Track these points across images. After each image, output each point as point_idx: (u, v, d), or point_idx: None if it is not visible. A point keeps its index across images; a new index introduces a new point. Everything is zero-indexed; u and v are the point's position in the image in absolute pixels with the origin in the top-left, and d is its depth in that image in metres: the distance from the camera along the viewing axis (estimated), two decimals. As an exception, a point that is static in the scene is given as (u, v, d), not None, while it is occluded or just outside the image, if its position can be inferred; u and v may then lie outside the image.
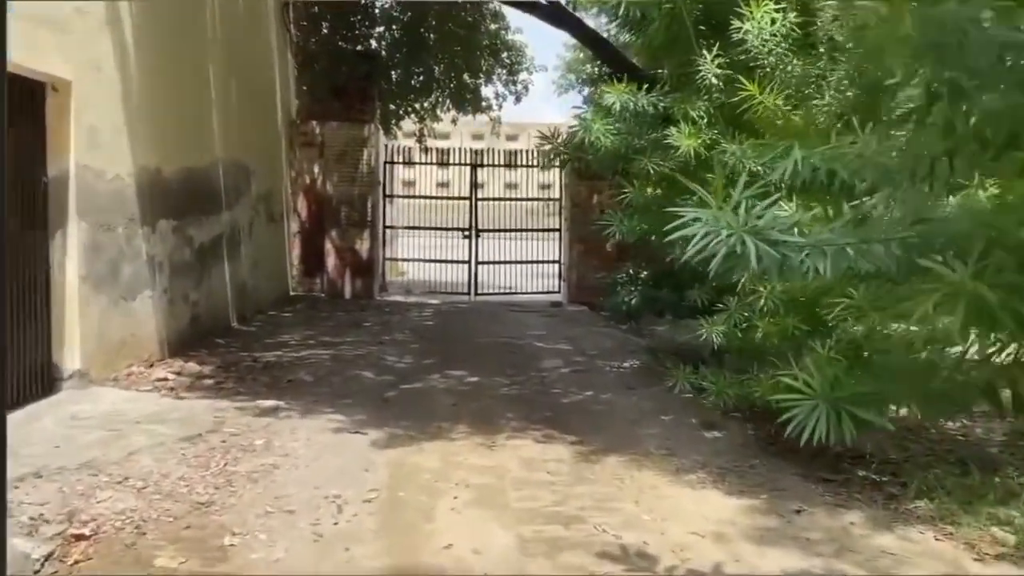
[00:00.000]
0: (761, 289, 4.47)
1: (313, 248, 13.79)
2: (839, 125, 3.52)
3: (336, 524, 4.21)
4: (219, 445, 5.33)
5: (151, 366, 7.52)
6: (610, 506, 4.51)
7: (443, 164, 14.62)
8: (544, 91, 60.93)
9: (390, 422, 6.09)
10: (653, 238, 5.26)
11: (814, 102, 4.15)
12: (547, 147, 5.54)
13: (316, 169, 13.81)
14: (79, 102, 6.35)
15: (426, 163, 14.88)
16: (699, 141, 4.57)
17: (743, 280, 4.58)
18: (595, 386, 7.54)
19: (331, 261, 13.60)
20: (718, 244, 1.80)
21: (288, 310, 12.16)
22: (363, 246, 13.59)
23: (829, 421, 1.99)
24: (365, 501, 4.50)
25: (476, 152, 14.34)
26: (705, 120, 4.74)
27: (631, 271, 8.06)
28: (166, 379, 7.00)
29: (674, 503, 4.57)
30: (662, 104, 4.88)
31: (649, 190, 4.99)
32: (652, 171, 4.77)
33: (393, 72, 15.08)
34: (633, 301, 6.92)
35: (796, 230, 1.91)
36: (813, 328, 4.51)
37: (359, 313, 12.14)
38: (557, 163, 5.37)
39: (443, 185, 16.05)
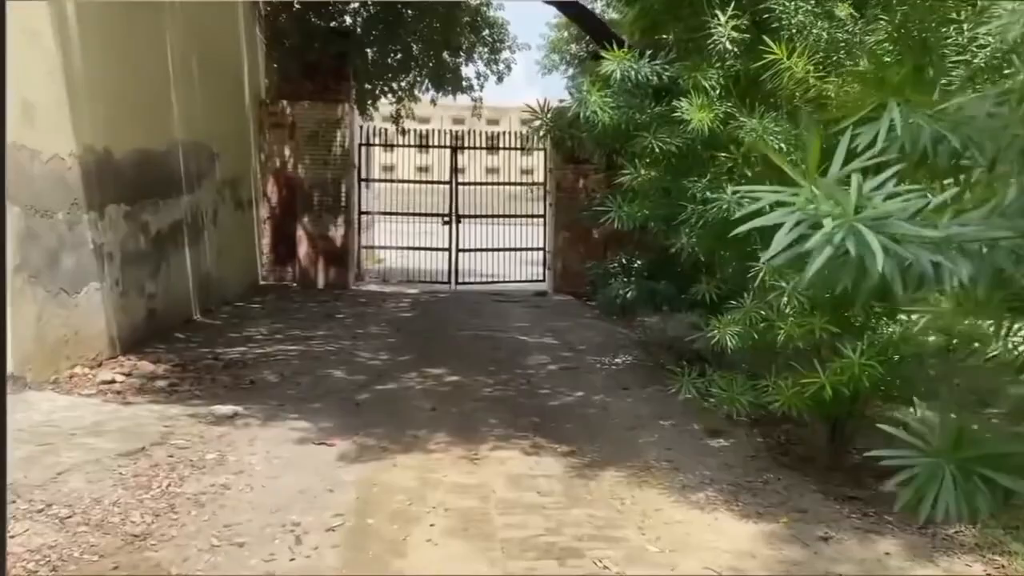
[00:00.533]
0: (783, 284, 3.89)
1: (284, 235, 13.09)
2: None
3: (293, 560, 3.61)
4: (164, 461, 4.70)
5: (99, 366, 6.85)
6: (610, 534, 3.93)
7: (422, 147, 13.94)
8: (527, 72, 60.00)
9: (361, 430, 5.48)
10: (654, 225, 4.67)
11: (848, 66, 3.57)
12: (535, 123, 4.89)
13: (287, 152, 13.09)
14: (11, 73, 5.63)
15: (404, 145, 14.17)
16: (711, 115, 3.97)
17: (761, 274, 4.01)
18: (585, 386, 6.96)
19: (303, 249, 12.91)
20: (821, 240, 1.19)
21: (257, 301, 11.47)
22: (337, 233, 12.91)
23: (958, 489, 1.39)
24: (328, 530, 3.89)
25: (456, 134, 13.66)
26: (717, 91, 4.14)
27: (624, 260, 7.46)
28: (113, 381, 6.34)
29: (683, 530, 4.00)
30: (667, 74, 4.27)
31: (652, 171, 4.37)
32: (658, 149, 4.16)
33: (369, 50, 14.35)
34: (629, 294, 6.32)
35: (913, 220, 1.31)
36: (843, 329, 3.95)
37: (332, 304, 11.48)
38: (545, 143, 4.70)
39: (423, 169, 15.38)
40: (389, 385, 6.86)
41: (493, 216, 14.12)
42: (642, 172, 4.47)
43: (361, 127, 13.87)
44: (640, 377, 7.26)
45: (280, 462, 4.81)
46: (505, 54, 15.24)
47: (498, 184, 15.00)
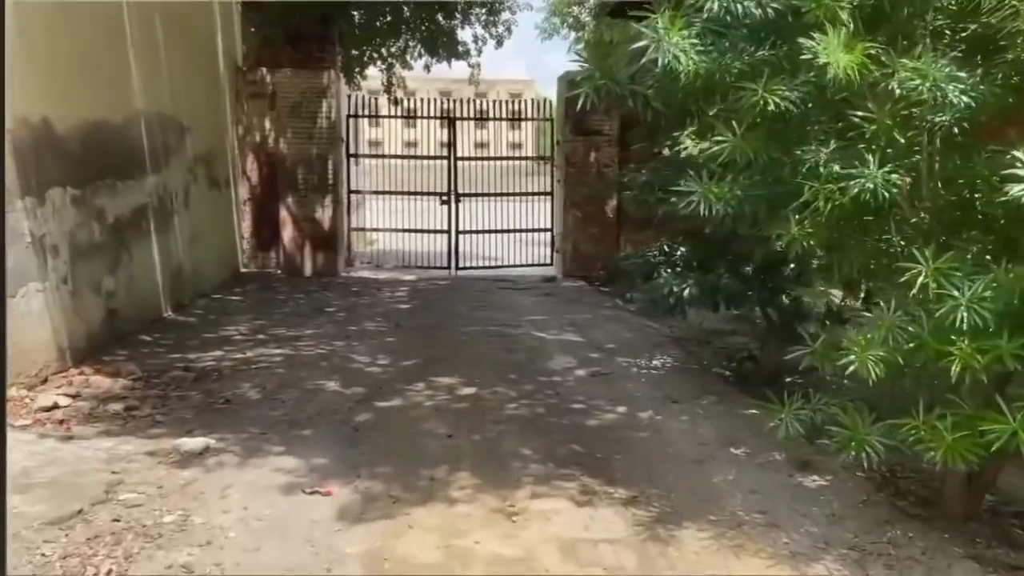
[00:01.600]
0: (955, 293, 2.78)
1: (266, 217, 11.87)
2: None
3: None
4: (108, 529, 3.57)
5: (43, 383, 5.69)
6: (720, 642, 2.84)
7: (414, 117, 12.68)
8: (515, 42, 57.88)
9: (363, 469, 4.38)
10: (748, 210, 3.53)
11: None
12: (581, 74, 3.73)
13: (267, 125, 11.83)
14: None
15: (396, 116, 12.91)
16: (857, 57, 2.82)
17: (922, 277, 2.90)
18: (626, 398, 5.86)
19: (287, 232, 11.70)
20: None
21: (237, 292, 10.28)
22: (324, 214, 11.70)
23: None
24: (327, 644, 2.79)
25: (453, 103, 12.42)
26: (854, 26, 2.98)
27: (667, 248, 6.33)
28: (55, 407, 5.18)
29: (816, 631, 2.92)
30: (778, 4, 3.11)
31: (753, 138, 3.22)
32: (775, 105, 3.01)
33: (355, 12, 13.06)
34: (686, 290, 5.18)
35: None
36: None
37: (321, 294, 10.31)
38: (593, 99, 3.51)
39: (410, 144, 14.13)
40: (392, 401, 5.73)
41: (495, 195, 12.92)
42: (732, 139, 3.32)
43: (349, 97, 12.61)
44: (688, 385, 6.16)
45: (261, 525, 3.69)
46: (505, 15, 14.00)
47: (501, 159, 13.81)
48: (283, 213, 11.70)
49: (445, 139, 12.66)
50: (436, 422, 5.27)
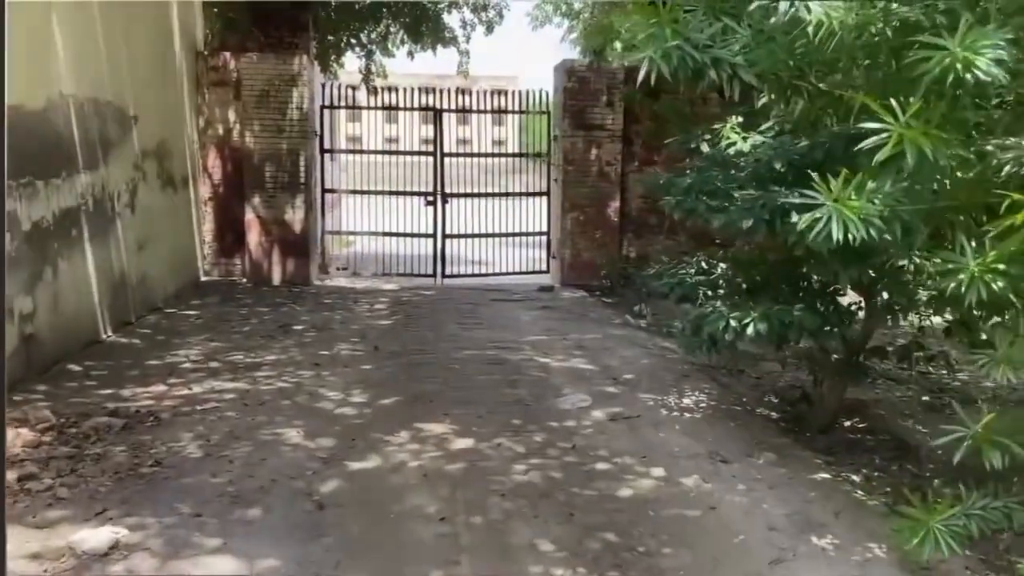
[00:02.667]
0: None
1: (230, 220, 10.62)
2: None
3: None
4: None
5: (-80, 439, 4.44)
6: None
7: (396, 109, 11.44)
8: (501, 34, 56.43)
9: (326, 579, 3.19)
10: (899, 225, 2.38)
11: None
12: (646, 34, 2.57)
13: (231, 116, 10.58)
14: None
15: (375, 108, 11.67)
16: None
17: None
18: (661, 453, 4.71)
19: (253, 237, 10.46)
20: None
21: (195, 305, 9.05)
22: (295, 216, 10.47)
23: None
24: None
25: (439, 93, 11.19)
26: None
27: (705, 265, 5.19)
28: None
29: None
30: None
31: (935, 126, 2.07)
32: (976, 75, 1.87)
33: (331, -8, 11.84)
34: (750, 326, 3.99)
35: None
36: None
37: (290, 308, 9.09)
38: (662, 69, 2.31)
39: (392, 140, 12.90)
40: (367, 461, 4.55)
41: (485, 195, 11.72)
42: (897, 126, 2.16)
43: (323, 86, 11.37)
44: (734, 434, 5.02)
45: None
46: (495, -2, 12.82)
47: (492, 155, 12.62)
48: (249, 215, 10.46)
49: (430, 134, 11.45)
50: (424, 494, 4.09)
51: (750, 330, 4.02)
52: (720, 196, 4.28)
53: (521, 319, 8.75)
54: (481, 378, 6.28)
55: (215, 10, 10.92)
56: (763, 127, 4.74)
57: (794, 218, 3.68)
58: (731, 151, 4.74)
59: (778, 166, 4.11)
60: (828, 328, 4.12)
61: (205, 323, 8.17)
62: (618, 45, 12.71)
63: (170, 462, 4.45)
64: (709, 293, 4.80)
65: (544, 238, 11.63)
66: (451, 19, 12.86)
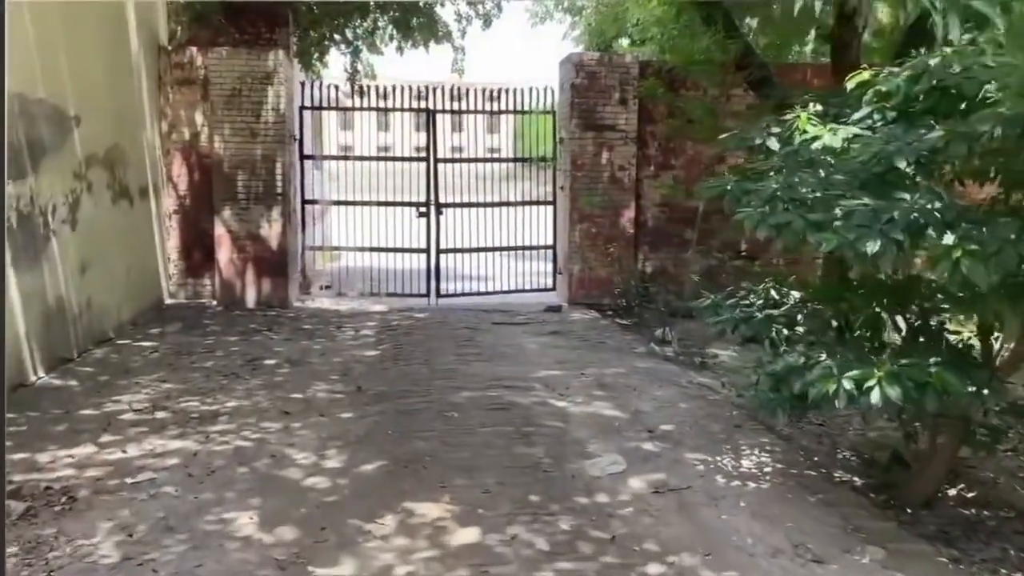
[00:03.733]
0: None
1: (198, 235, 9.46)
2: None
3: None
4: None
5: None
6: None
7: (385, 110, 10.29)
8: (496, 39, 55.35)
9: None
10: None
11: None
12: None
13: (199, 119, 9.43)
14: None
15: (361, 108, 10.51)
16: None
17: None
18: (728, 548, 3.55)
19: (224, 254, 9.30)
20: None
21: (153, 335, 7.88)
22: (271, 230, 9.31)
23: None
24: None
25: (433, 92, 10.05)
26: None
27: (776, 294, 4.05)
28: None
29: None
30: None
31: None
32: None
33: (313, -17, 10.69)
34: (872, 392, 2.80)
35: None
36: None
37: (263, 336, 7.93)
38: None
39: (385, 148, 11.73)
40: (339, 565, 3.39)
41: (484, 204, 10.56)
42: None
43: (303, 84, 10.22)
44: (818, 516, 3.86)
45: None
46: (494, -11, 11.67)
47: (490, 161, 11.49)
48: (219, 229, 9.30)
49: (423, 140, 10.29)
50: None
51: (874, 396, 2.88)
52: (817, 206, 3.15)
53: (527, 347, 7.59)
54: (485, 431, 5.11)
55: (182, 2, 9.78)
56: (857, 115, 3.60)
57: (945, 238, 2.56)
58: (814, 147, 3.60)
59: (902, 165, 2.99)
60: (977, 391, 2.99)
61: (161, 357, 7.00)
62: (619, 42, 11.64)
63: (70, 572, 3.29)
64: (786, 333, 3.65)
65: (550, 251, 10.49)
66: (445, 13, 11.72)
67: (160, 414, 5.39)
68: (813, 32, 9.74)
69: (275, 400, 5.76)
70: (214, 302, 9.41)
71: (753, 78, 7.68)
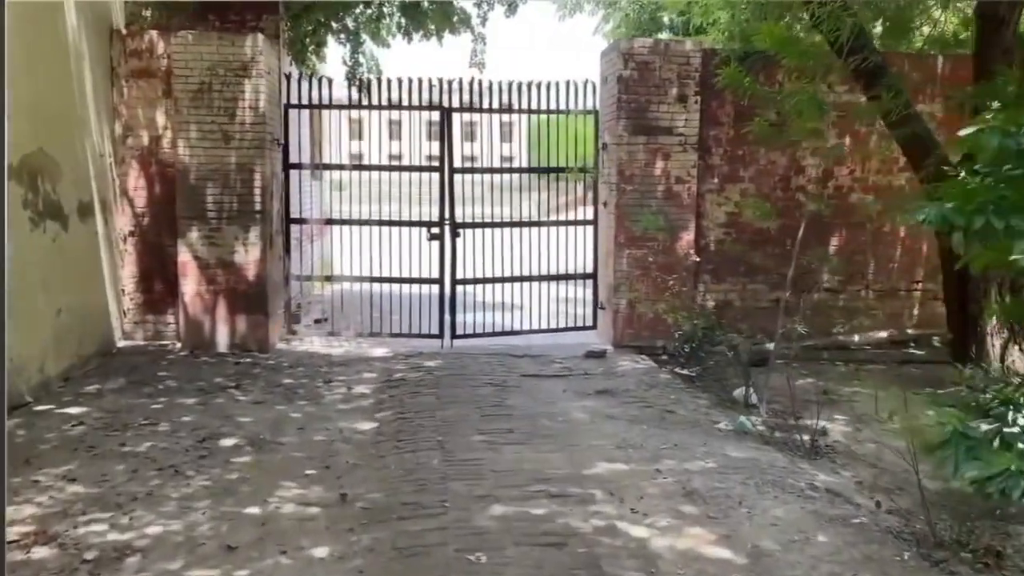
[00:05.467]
0: None
1: (159, 262, 7.70)
2: None
3: None
4: None
5: None
6: None
7: (390, 108, 8.45)
8: (504, 31, 53.43)
9: None
10: None
11: None
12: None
13: (160, 119, 7.68)
14: None
15: (359, 107, 8.69)
16: None
17: None
18: None
19: (190, 285, 7.53)
20: None
21: (86, 394, 6.12)
22: (248, 256, 7.53)
23: None
24: None
25: (448, 85, 8.20)
26: None
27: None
28: None
29: None
30: None
31: None
32: None
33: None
34: None
35: None
36: None
37: (228, 396, 6.14)
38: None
39: (395, 158, 9.93)
40: None
41: (508, 224, 8.74)
42: None
43: (288, 77, 8.43)
44: None
45: None
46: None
47: (516, 171, 9.69)
48: (184, 255, 7.53)
49: (434, 148, 8.47)
50: None
51: None
52: None
53: (574, 417, 5.74)
54: (532, 593, 3.28)
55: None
56: None
57: None
58: None
59: None
60: None
61: (84, 435, 5.22)
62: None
63: None
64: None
65: (589, 282, 8.65)
66: (463, 1, 9.93)
67: (38, 552, 3.59)
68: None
69: (219, 521, 3.95)
70: (178, 344, 7.63)
71: (869, 65, 5.86)
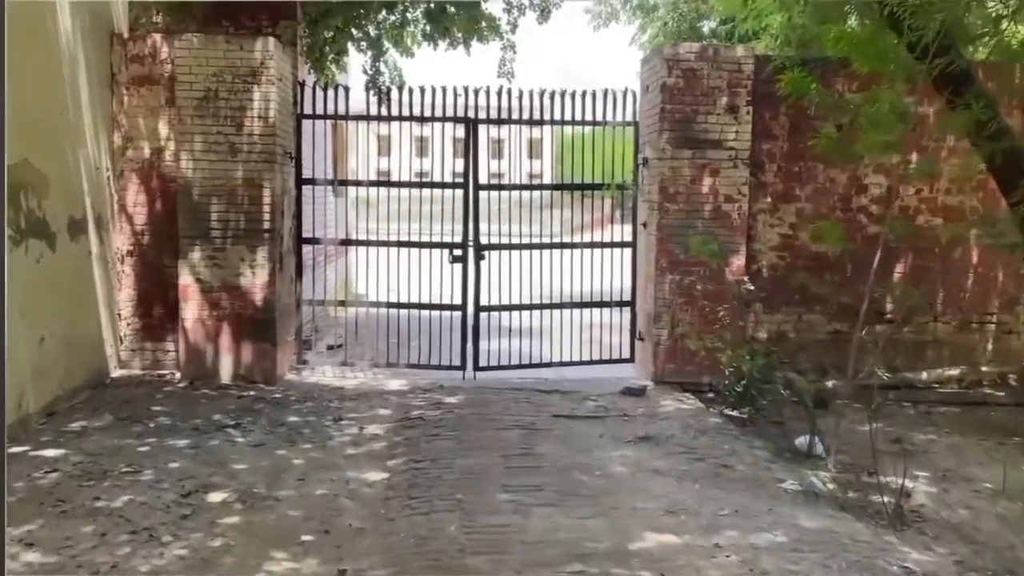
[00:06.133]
0: None
1: (160, 284, 7.11)
2: None
3: None
4: None
5: None
6: None
7: (412, 119, 7.79)
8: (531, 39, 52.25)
9: None
10: None
11: None
12: None
13: (162, 129, 7.11)
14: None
15: (378, 118, 8.08)
16: None
17: None
18: None
19: (191, 310, 6.91)
20: None
21: (67, 433, 5.50)
22: (256, 279, 6.91)
23: None
24: None
25: (475, 94, 7.54)
26: None
27: None
28: None
29: None
30: None
31: None
32: None
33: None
34: None
35: None
36: None
37: (225, 438, 5.49)
38: None
39: (421, 175, 9.28)
40: None
41: (537, 247, 8.04)
42: None
43: (302, 85, 7.82)
44: None
45: None
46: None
47: (546, 188, 9.00)
48: (185, 277, 6.92)
49: (459, 163, 7.80)
50: None
51: None
52: None
53: (612, 470, 5.00)
54: None
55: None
56: None
57: None
58: None
59: None
60: None
61: (56, 484, 4.59)
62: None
63: None
64: None
65: (626, 309, 7.91)
66: (491, 6, 9.33)
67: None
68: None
69: (190, 607, 3.27)
70: (177, 374, 7.01)
71: (956, 70, 5.09)
